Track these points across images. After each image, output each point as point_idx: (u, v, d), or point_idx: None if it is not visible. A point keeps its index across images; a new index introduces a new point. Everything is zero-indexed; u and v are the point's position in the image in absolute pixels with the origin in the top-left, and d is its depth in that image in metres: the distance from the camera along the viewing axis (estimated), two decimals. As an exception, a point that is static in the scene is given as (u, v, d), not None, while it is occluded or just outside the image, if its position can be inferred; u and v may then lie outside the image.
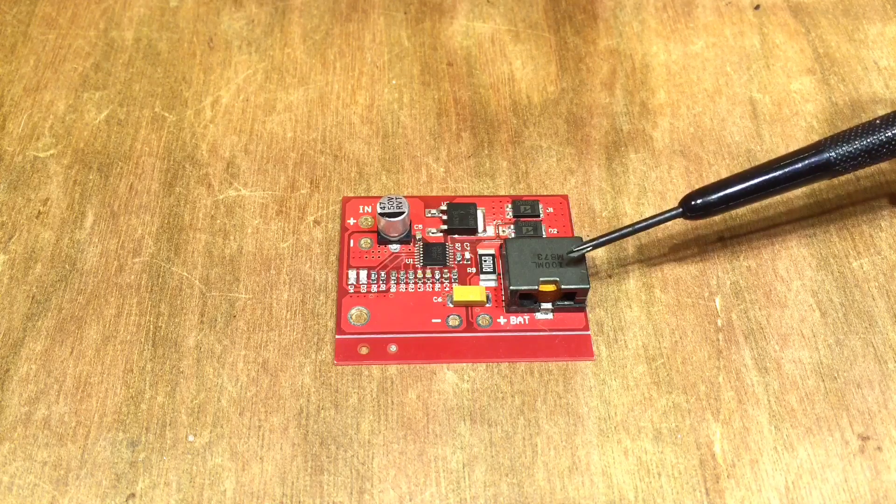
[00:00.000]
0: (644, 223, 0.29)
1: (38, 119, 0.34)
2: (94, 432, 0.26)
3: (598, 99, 0.36)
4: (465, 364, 0.28)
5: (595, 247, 0.29)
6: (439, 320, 0.29)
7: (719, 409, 0.27)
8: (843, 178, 0.33)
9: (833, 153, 0.29)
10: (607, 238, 0.29)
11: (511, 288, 0.29)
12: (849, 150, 0.29)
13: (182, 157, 0.33)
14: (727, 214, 0.32)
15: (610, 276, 0.30)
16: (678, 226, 0.32)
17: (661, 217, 0.29)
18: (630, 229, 0.29)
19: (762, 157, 0.34)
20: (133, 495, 0.25)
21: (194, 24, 0.38)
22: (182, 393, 0.27)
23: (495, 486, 0.26)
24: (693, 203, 0.29)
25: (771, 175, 0.29)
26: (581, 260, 0.29)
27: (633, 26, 0.39)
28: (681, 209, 0.29)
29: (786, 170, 0.29)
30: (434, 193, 0.33)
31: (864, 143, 0.29)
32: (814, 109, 0.36)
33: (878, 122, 0.29)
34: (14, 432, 0.26)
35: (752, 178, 0.29)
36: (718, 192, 0.29)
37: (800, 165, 0.29)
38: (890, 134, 0.29)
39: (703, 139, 0.34)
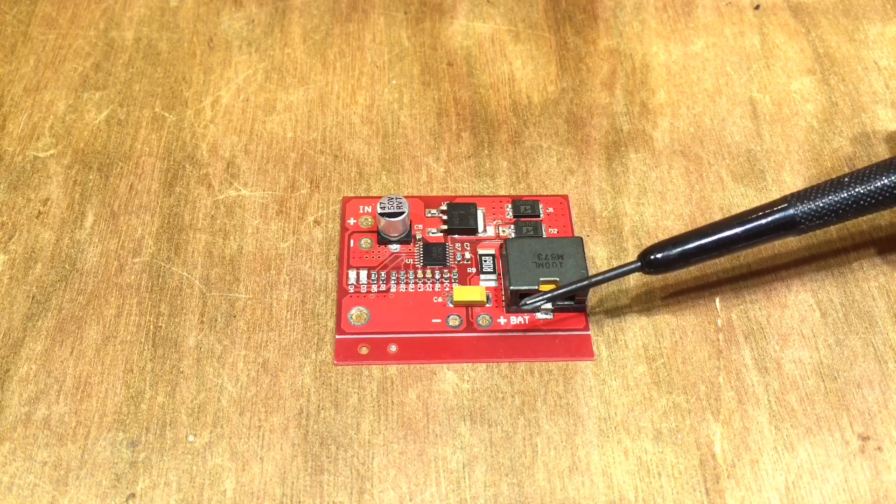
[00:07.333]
0: (601, 276, 0.28)
1: (38, 119, 0.34)
2: (94, 432, 0.26)
3: (598, 99, 0.36)
4: (465, 364, 0.28)
5: (549, 300, 0.28)
6: (439, 320, 0.29)
7: (719, 409, 0.27)
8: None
9: (798, 210, 0.28)
10: (563, 290, 0.28)
11: (511, 288, 0.29)
12: (814, 207, 0.28)
13: (182, 157, 0.33)
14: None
15: (610, 276, 0.30)
16: (678, 225, 0.32)
17: (620, 270, 0.28)
18: (587, 282, 0.28)
19: (762, 157, 0.34)
20: (133, 495, 0.25)
21: (194, 24, 0.38)
22: (182, 393, 0.27)
23: (495, 486, 0.26)
24: (652, 258, 0.28)
25: (733, 231, 0.28)
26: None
27: (633, 26, 0.39)
28: (639, 263, 0.28)
29: (748, 226, 0.28)
30: (434, 193, 0.33)
31: (830, 200, 0.28)
32: (814, 109, 0.36)
33: (845, 178, 0.28)
34: (14, 432, 0.26)
35: (713, 234, 0.28)
36: (678, 247, 0.28)
37: (763, 222, 0.27)
38: (857, 191, 0.28)
39: (704, 139, 0.34)
